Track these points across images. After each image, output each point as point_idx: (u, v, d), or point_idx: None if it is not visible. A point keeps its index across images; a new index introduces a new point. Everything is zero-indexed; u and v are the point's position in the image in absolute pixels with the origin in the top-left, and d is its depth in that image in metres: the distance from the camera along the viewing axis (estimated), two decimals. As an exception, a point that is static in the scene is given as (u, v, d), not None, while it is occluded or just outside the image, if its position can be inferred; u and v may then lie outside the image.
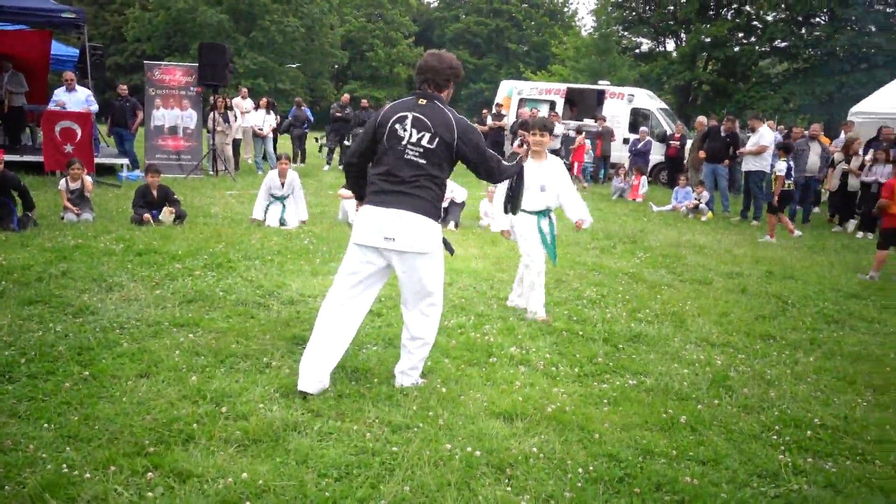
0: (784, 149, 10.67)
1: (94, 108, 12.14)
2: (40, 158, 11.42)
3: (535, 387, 4.07)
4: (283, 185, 8.97)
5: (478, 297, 6.02)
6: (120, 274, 5.89)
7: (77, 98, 11.93)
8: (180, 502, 2.68)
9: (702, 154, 12.74)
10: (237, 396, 3.67)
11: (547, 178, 5.32)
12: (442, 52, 3.92)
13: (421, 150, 3.65)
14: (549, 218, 5.47)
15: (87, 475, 2.81)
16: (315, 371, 3.74)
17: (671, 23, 41.23)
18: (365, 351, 4.47)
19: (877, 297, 6.86)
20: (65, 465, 2.86)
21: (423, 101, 3.73)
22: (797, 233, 10.62)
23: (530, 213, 5.35)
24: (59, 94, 11.92)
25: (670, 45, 43.03)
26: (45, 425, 3.22)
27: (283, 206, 8.97)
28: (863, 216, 11.46)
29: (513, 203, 4.59)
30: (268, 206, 8.95)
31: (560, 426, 3.55)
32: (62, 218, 8.19)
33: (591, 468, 3.13)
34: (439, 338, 4.79)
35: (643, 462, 3.23)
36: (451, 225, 9.45)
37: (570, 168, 16.31)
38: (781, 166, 10.24)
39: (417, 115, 3.68)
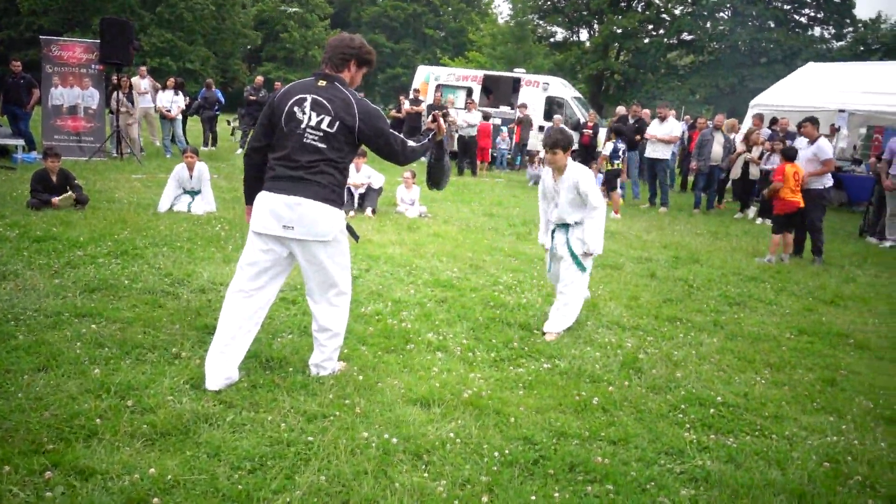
0: (615, 132, 11.93)
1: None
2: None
3: (452, 372, 4.09)
4: (191, 177, 8.69)
5: (395, 283, 5.99)
6: (15, 262, 5.54)
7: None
8: (82, 501, 2.56)
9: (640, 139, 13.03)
10: (144, 389, 3.52)
11: (561, 194, 4.96)
12: (346, 34, 3.79)
13: (321, 133, 3.51)
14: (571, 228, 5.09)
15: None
16: (221, 367, 3.62)
17: (585, 13, 42.16)
18: (280, 340, 4.38)
19: (774, 280, 7.25)
20: (-47, 467, 2.67)
21: (322, 83, 3.58)
22: (617, 215, 11.13)
23: (559, 226, 5.12)
24: None
25: (584, 35, 44.02)
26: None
27: (192, 198, 8.71)
28: (762, 203, 12.08)
29: (432, 179, 4.38)
30: (175, 198, 8.65)
31: (476, 411, 3.59)
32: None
33: (506, 451, 3.17)
34: (356, 325, 4.76)
35: (557, 444, 3.30)
36: (369, 211, 9.37)
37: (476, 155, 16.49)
38: (608, 147, 11.36)
39: (316, 97, 3.54)
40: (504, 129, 18.67)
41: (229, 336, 3.63)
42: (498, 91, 20.74)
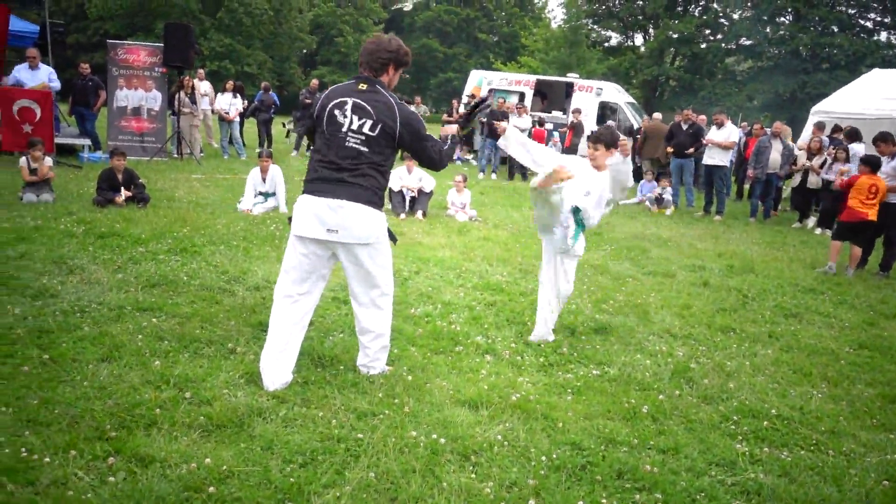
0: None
1: (56, 86, 11.82)
2: (-2, 136, 11.08)
3: (500, 376, 4.10)
4: (264, 180, 8.98)
5: (445, 285, 6.03)
6: (81, 256, 5.77)
7: (38, 76, 11.60)
8: (142, 487, 2.66)
9: (669, 149, 12.88)
10: (201, 382, 3.63)
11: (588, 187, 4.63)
12: (383, 36, 3.77)
13: (363, 137, 3.53)
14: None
15: (47, 459, 2.77)
16: (278, 370, 3.68)
17: (640, 17, 41.70)
18: (332, 338, 4.46)
19: (832, 292, 7.04)
20: (24, 449, 2.81)
21: (363, 86, 3.60)
22: None
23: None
24: (20, 72, 11.57)
25: (639, 40, 43.54)
26: (4, 409, 3.15)
27: (265, 199, 9.02)
28: (822, 213, 11.74)
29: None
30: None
31: (524, 415, 3.59)
32: (21, 198, 7.98)
33: (554, 456, 3.17)
34: (406, 326, 4.81)
35: (605, 450, 3.29)
36: (419, 214, 9.44)
37: None
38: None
39: (358, 100, 3.56)
40: (556, 133, 18.58)
41: (283, 341, 3.69)
42: (551, 96, 20.65)
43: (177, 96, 13.48)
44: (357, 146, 3.53)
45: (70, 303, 4.65)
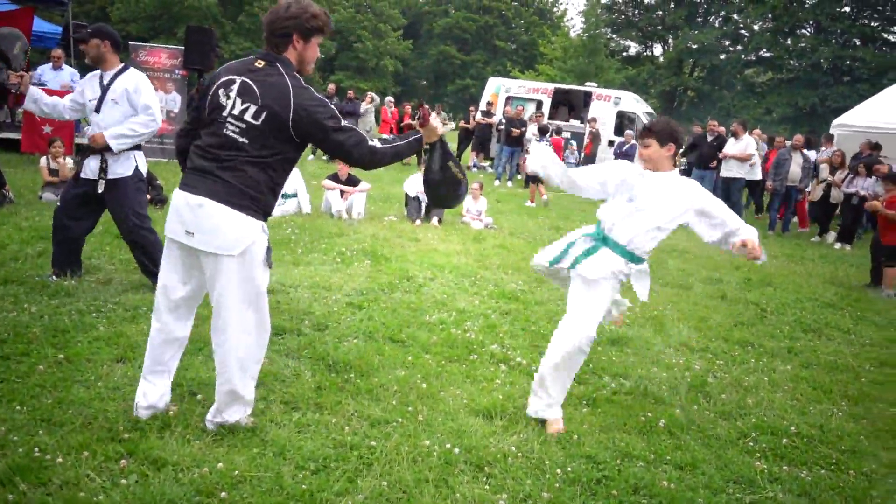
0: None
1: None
2: (19, 136, 11.20)
3: (515, 385, 4.07)
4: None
5: (459, 293, 6.00)
6: (98, 256, 5.79)
7: (61, 77, 11.71)
8: (154, 490, 2.64)
9: (681, 159, 12.79)
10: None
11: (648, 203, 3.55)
12: (281, 2, 3.04)
13: (243, 125, 2.89)
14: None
15: (60, 459, 2.76)
16: (157, 389, 3.21)
17: (659, 28, 41.54)
18: (345, 344, 4.44)
19: (853, 308, 6.94)
20: (37, 449, 2.81)
21: (259, 63, 2.96)
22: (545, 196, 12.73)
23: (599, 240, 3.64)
24: (44, 72, 11.68)
25: (657, 50, 43.38)
26: (18, 408, 3.15)
27: (284, 200, 9.07)
28: (842, 228, 11.60)
29: (433, 192, 3.34)
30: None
31: (539, 426, 3.55)
32: (40, 197, 8.05)
33: (569, 469, 3.13)
34: (420, 333, 4.78)
35: (621, 464, 3.24)
36: (435, 220, 9.42)
37: None
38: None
39: (247, 80, 2.91)
40: (573, 142, 18.52)
41: (160, 356, 3.24)
42: (569, 104, 20.60)
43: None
44: (234, 135, 2.90)
45: (86, 302, 4.66)
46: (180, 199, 2.95)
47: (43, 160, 8.36)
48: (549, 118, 18.34)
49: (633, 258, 3.55)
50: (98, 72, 5.02)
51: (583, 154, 18.34)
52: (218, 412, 3.16)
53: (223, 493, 2.67)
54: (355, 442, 3.17)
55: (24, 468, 2.67)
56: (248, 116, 2.88)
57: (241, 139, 2.89)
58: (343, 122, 2.97)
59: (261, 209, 2.99)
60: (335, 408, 3.51)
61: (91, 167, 4.97)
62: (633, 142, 17.06)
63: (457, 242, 8.27)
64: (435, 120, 3.20)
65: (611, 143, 18.14)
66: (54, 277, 5.01)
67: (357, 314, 5.10)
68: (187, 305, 3.21)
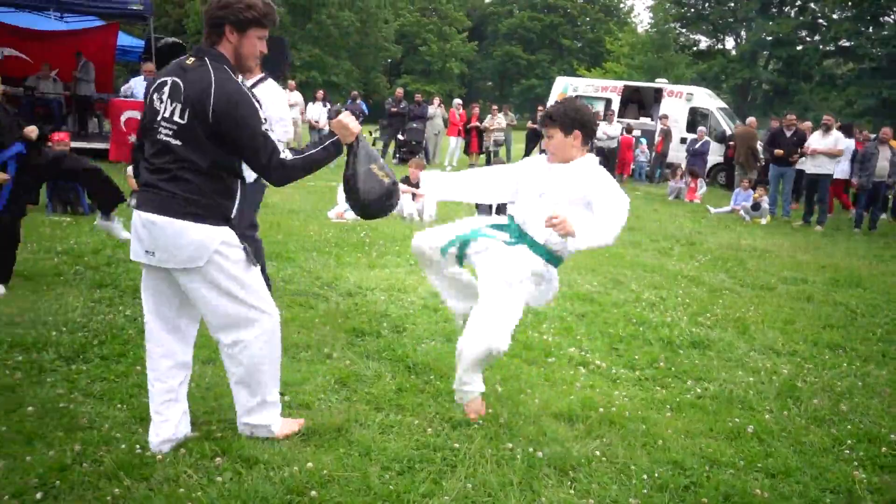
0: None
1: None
2: (107, 146, 11.75)
3: (595, 389, 4.02)
4: None
5: (534, 295, 5.96)
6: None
7: (150, 89, 12.24)
8: (248, 488, 2.72)
9: (778, 152, 12.23)
10: (299, 386, 3.71)
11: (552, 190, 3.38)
12: None
13: (174, 126, 2.68)
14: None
15: (159, 456, 2.88)
16: (170, 424, 2.98)
17: (731, 20, 40.35)
18: (424, 346, 4.48)
19: (951, 309, 6.57)
20: (138, 446, 2.93)
21: (190, 61, 2.76)
22: None
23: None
24: (136, 84, 12.14)
25: (729, 43, 42.14)
26: (119, 406, 3.31)
27: None
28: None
29: (353, 199, 2.97)
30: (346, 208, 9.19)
31: (622, 430, 3.49)
32: (129, 205, 8.40)
33: (655, 475, 3.07)
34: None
35: (709, 471, 3.16)
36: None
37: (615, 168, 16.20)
38: None
39: (177, 79, 2.71)
40: (643, 141, 18.18)
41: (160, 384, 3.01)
42: (639, 102, 20.22)
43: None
44: (167, 138, 2.69)
45: (175, 305, 4.84)
46: (135, 219, 2.79)
47: (129, 169, 8.72)
48: (619, 116, 18.04)
49: (550, 258, 3.39)
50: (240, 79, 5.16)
51: (654, 152, 17.99)
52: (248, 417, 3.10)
53: (313, 493, 2.73)
54: (438, 443, 3.20)
55: (128, 464, 2.80)
56: (176, 117, 2.67)
57: (173, 141, 2.69)
58: (266, 127, 2.71)
59: (217, 215, 2.77)
60: (417, 409, 3.54)
61: None
62: (707, 138, 16.63)
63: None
64: (347, 116, 2.91)
65: (683, 141, 17.72)
66: None
67: (433, 316, 5.13)
68: (185, 326, 3.03)
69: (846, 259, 8.85)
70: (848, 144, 12.42)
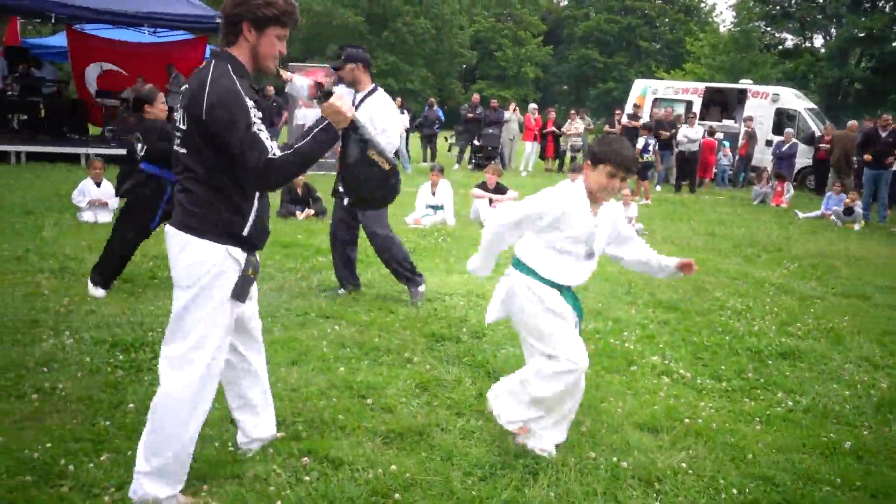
0: (646, 128, 14.63)
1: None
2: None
3: (679, 399, 3.92)
4: (434, 194, 9.26)
5: (614, 301, 5.87)
6: (269, 265, 6.21)
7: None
8: (334, 488, 2.78)
9: (867, 157, 11.68)
10: (381, 389, 3.77)
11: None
12: None
13: (180, 135, 2.56)
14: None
15: (250, 455, 2.98)
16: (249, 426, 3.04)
17: (819, 17, 38.66)
18: (503, 352, 4.48)
19: None
20: (230, 444, 3.04)
21: (203, 63, 2.66)
22: (647, 201, 12.76)
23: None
24: None
25: (818, 41, 40.39)
26: (215, 405, 3.43)
27: (434, 212, 9.31)
28: None
29: (351, 189, 2.77)
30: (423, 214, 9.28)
31: (709, 442, 3.40)
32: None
33: (746, 490, 2.97)
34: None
35: (804, 488, 3.03)
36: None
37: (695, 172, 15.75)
38: (640, 142, 13.87)
39: (187, 85, 2.59)
40: (726, 144, 17.61)
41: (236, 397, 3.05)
42: (722, 103, 19.60)
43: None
44: (178, 148, 2.58)
45: (262, 308, 4.96)
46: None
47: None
48: (701, 118, 17.53)
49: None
50: (352, 91, 5.25)
51: (737, 156, 17.42)
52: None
53: (397, 495, 2.77)
54: (519, 450, 3.18)
55: (220, 461, 2.91)
56: (181, 123, 2.54)
57: (181, 150, 2.56)
58: (256, 129, 2.46)
59: (220, 231, 2.56)
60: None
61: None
62: (794, 140, 15.99)
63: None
64: (339, 99, 2.59)
65: (769, 143, 17.09)
66: (341, 291, 5.50)
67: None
68: (248, 328, 3.05)
69: (950, 267, 8.33)
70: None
